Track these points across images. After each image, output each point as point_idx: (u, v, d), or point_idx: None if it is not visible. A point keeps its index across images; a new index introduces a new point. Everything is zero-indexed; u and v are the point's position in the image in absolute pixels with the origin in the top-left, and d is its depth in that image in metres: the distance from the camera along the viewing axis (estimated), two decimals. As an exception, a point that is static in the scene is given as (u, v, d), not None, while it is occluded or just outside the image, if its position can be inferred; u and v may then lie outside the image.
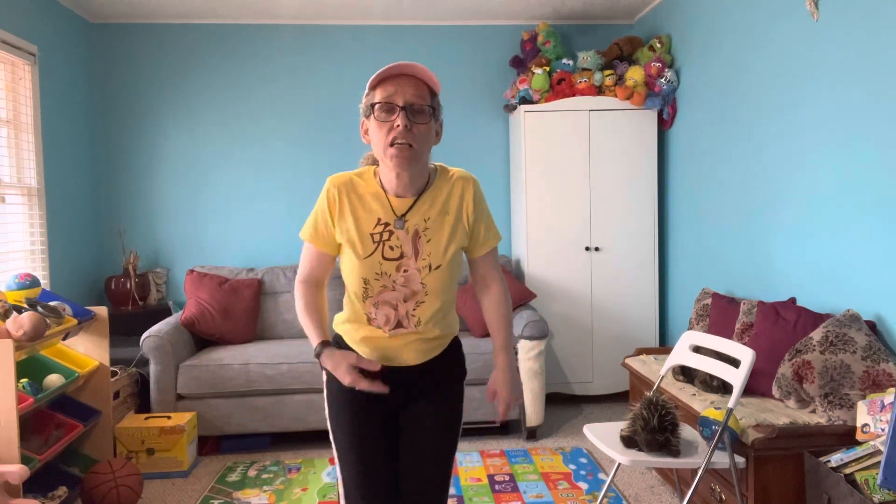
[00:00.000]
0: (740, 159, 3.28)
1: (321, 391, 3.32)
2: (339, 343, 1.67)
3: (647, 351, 3.48)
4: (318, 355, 1.56)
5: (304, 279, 1.65)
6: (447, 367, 1.68)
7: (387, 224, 1.55)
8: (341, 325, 1.67)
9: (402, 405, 1.65)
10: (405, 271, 1.56)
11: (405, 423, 1.66)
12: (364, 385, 1.49)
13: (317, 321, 1.60)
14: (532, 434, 3.60)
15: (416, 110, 1.47)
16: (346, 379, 1.50)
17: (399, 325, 1.58)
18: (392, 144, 1.45)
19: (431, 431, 1.63)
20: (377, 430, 1.61)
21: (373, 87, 1.49)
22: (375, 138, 1.49)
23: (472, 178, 1.62)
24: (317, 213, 1.59)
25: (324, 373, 1.69)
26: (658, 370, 3.11)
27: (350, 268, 1.58)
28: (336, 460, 1.62)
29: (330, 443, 3.50)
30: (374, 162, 1.62)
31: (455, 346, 1.72)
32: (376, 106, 1.47)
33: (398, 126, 1.44)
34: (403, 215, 1.55)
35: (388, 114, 1.46)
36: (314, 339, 1.58)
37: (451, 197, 1.58)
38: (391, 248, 1.55)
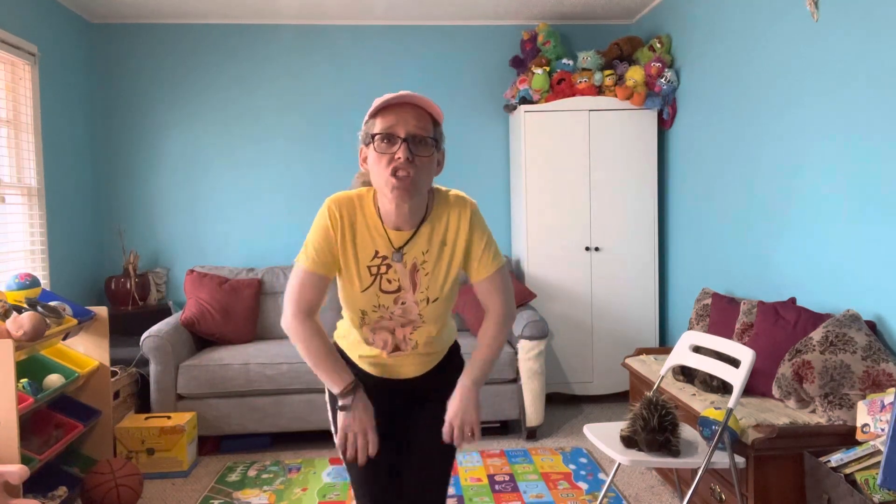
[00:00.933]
0: (740, 159, 3.28)
1: (321, 391, 3.33)
2: (341, 355, 1.66)
3: (647, 351, 3.48)
4: (345, 396, 1.47)
5: (298, 312, 1.51)
6: (447, 371, 1.69)
7: (384, 257, 1.50)
8: (341, 338, 1.67)
9: (405, 407, 1.67)
10: (403, 303, 1.53)
11: (408, 423, 1.67)
12: (361, 462, 1.47)
13: (335, 360, 1.50)
14: (532, 434, 3.60)
15: (418, 142, 1.40)
16: (359, 437, 1.46)
17: (397, 348, 1.58)
18: (393, 177, 1.39)
19: (432, 431, 1.64)
20: (383, 433, 1.61)
21: (372, 116, 1.43)
22: (375, 169, 1.42)
23: (469, 205, 1.54)
24: (318, 233, 1.50)
25: None
26: (658, 370, 3.11)
27: (347, 297, 1.55)
28: (344, 462, 1.62)
29: (330, 443, 3.52)
30: (368, 181, 1.55)
31: (454, 350, 1.73)
32: (377, 136, 1.41)
33: (399, 158, 1.38)
34: (401, 248, 1.50)
35: (389, 145, 1.40)
36: (341, 380, 1.48)
37: (449, 227, 1.52)
38: (388, 280, 1.51)
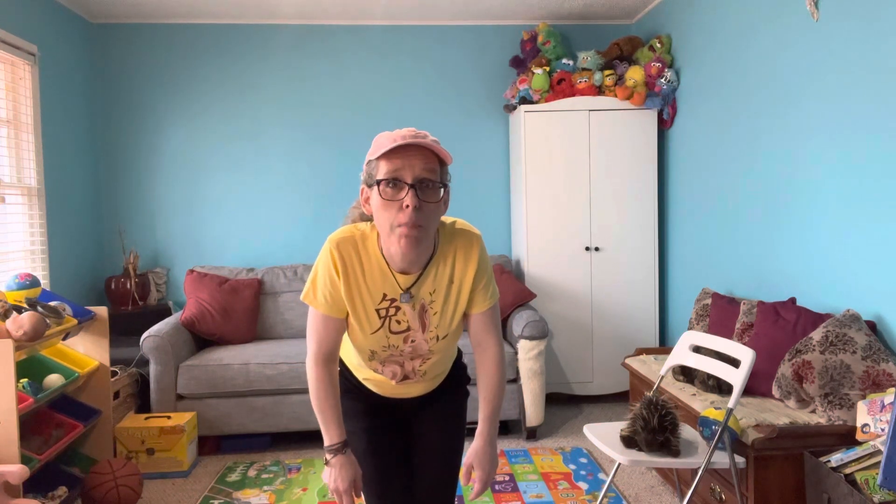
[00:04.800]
0: (740, 159, 3.28)
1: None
2: (345, 368, 1.66)
3: (647, 351, 3.48)
4: (334, 455, 1.47)
5: (318, 356, 1.49)
6: (452, 378, 1.71)
7: (393, 300, 1.45)
8: (347, 357, 1.65)
9: (410, 414, 1.68)
10: (412, 342, 1.51)
11: (414, 427, 1.68)
12: None
13: (336, 415, 1.48)
14: (532, 434, 3.60)
15: (426, 186, 1.32)
16: (344, 497, 1.46)
17: (406, 377, 1.57)
18: (401, 227, 1.32)
19: (438, 434, 1.66)
20: (389, 436, 1.63)
21: (376, 158, 1.35)
22: (380, 215, 1.35)
23: (476, 238, 1.49)
24: (323, 278, 1.45)
25: None
26: (658, 370, 3.10)
27: (356, 338, 1.51)
28: None
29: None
30: (364, 215, 1.50)
31: (457, 358, 1.74)
32: (381, 182, 1.32)
33: (408, 207, 1.30)
34: (409, 289, 1.45)
35: (396, 191, 1.32)
36: (334, 436, 1.48)
37: (456, 265, 1.48)
38: (398, 322, 1.47)
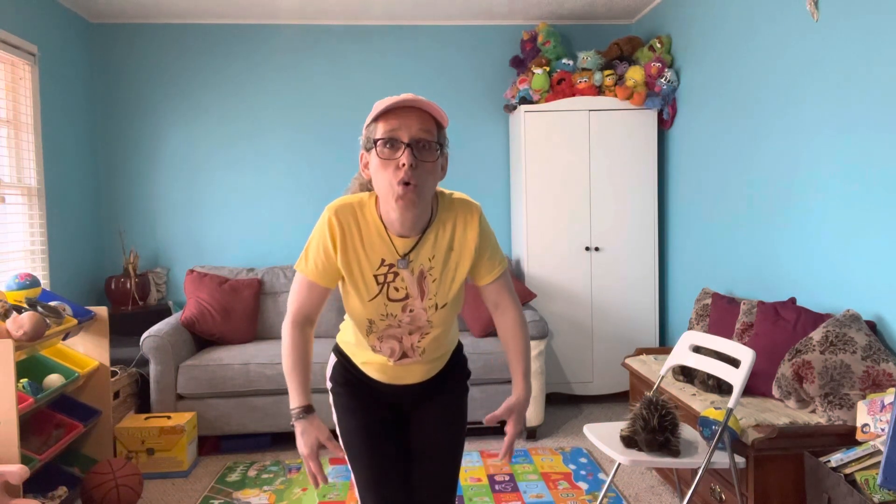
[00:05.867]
0: (740, 159, 3.28)
1: (321, 391, 3.33)
2: (344, 358, 1.66)
3: (647, 351, 3.48)
4: (297, 418, 1.49)
5: (296, 319, 1.53)
6: (451, 372, 1.69)
7: (391, 265, 1.46)
8: (346, 344, 1.65)
9: (409, 407, 1.67)
10: (411, 311, 1.50)
11: (414, 425, 1.66)
12: (318, 483, 1.47)
13: (303, 380, 1.51)
14: (532, 434, 3.60)
15: (423, 146, 1.35)
16: (308, 462, 1.47)
17: (404, 355, 1.56)
18: (398, 185, 1.34)
19: (438, 431, 1.64)
20: (388, 434, 1.61)
21: (374, 120, 1.37)
22: (378, 176, 1.37)
23: (476, 208, 1.52)
24: (317, 244, 1.47)
25: (328, 378, 1.69)
26: (658, 370, 3.11)
27: (354, 307, 1.52)
28: (348, 462, 1.61)
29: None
30: (366, 183, 1.52)
31: (457, 350, 1.73)
32: (379, 141, 1.35)
33: (404, 165, 1.32)
34: (407, 254, 1.46)
35: (393, 150, 1.34)
36: (296, 400, 1.49)
37: (455, 231, 1.49)
38: (396, 289, 1.48)
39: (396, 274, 1.47)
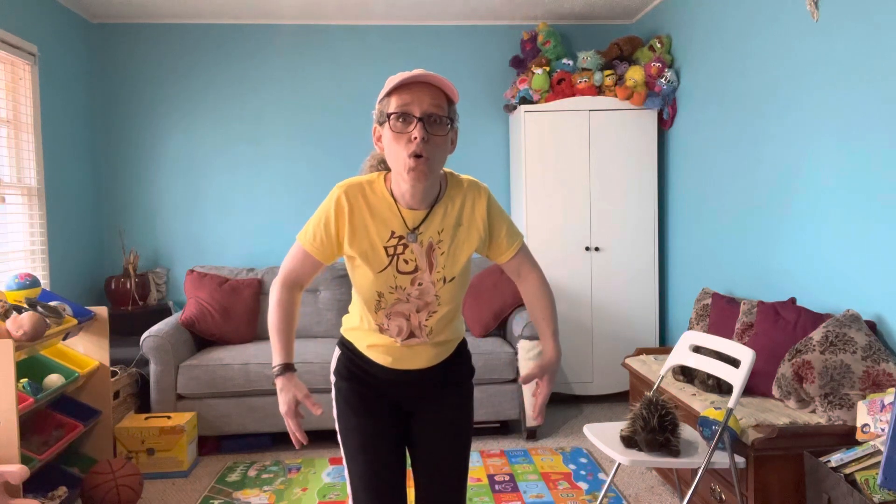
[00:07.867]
0: (740, 159, 3.28)
1: (321, 391, 3.33)
2: (348, 349, 1.65)
3: (647, 351, 3.48)
4: (276, 375, 1.54)
5: (285, 281, 1.59)
6: (456, 368, 1.68)
7: (401, 237, 1.50)
8: (351, 331, 1.65)
9: (412, 406, 1.65)
10: (420, 284, 1.53)
11: (418, 429, 1.65)
12: (297, 441, 1.53)
13: (285, 339, 1.58)
14: (532, 434, 3.60)
15: (434, 121, 1.40)
16: (287, 419, 1.52)
17: (412, 335, 1.57)
18: (410, 158, 1.39)
19: (445, 436, 1.63)
20: (388, 431, 1.61)
21: (387, 94, 1.42)
22: (391, 149, 1.42)
23: (484, 188, 1.58)
24: (321, 218, 1.52)
25: (332, 371, 1.69)
26: (658, 370, 3.11)
27: (363, 281, 1.54)
28: (344, 460, 1.61)
29: (330, 443, 3.52)
30: (380, 162, 1.58)
31: (462, 346, 1.73)
32: (392, 115, 1.40)
33: (415, 139, 1.37)
34: (417, 227, 1.50)
35: (405, 124, 1.39)
36: (278, 357, 1.56)
37: (464, 209, 1.54)
38: (405, 261, 1.51)
39: (406, 246, 1.51)
